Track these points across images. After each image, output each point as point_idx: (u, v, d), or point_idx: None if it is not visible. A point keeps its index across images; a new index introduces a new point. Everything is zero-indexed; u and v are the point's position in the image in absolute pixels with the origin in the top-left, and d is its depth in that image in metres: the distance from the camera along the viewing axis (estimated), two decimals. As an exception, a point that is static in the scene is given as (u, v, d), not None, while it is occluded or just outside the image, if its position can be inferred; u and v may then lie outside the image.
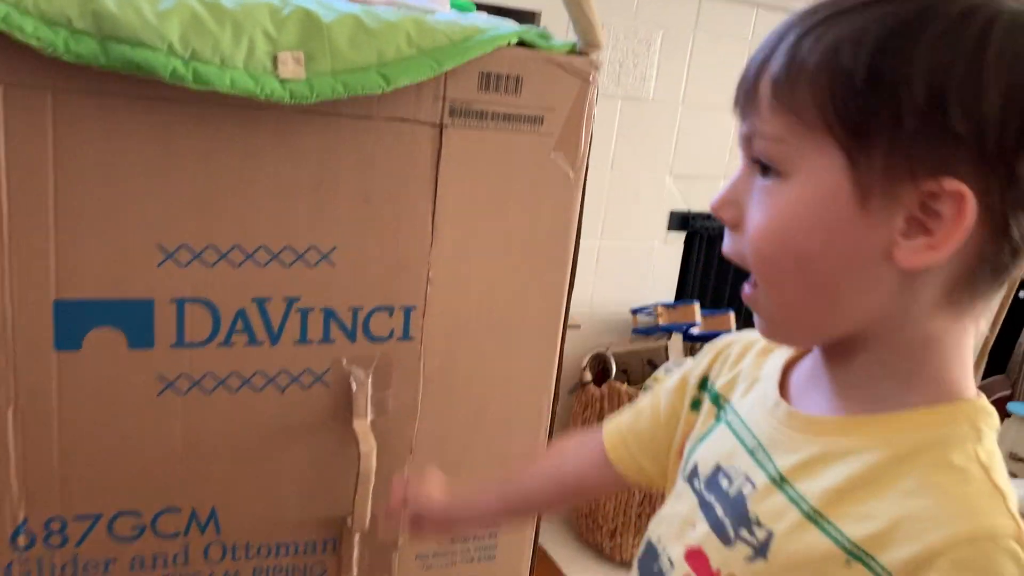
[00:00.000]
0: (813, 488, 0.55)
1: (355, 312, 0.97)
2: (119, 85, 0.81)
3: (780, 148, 0.52)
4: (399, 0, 1.02)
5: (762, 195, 0.54)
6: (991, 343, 2.41)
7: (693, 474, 0.66)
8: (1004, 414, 2.25)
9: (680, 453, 0.72)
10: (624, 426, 0.81)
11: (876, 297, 0.53)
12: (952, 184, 0.48)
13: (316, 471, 1.00)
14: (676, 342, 1.91)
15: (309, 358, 0.96)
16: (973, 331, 0.55)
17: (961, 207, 0.48)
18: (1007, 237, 0.49)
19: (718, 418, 0.69)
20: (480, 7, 1.25)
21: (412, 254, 0.97)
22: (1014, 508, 0.50)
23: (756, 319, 0.60)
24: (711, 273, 2.16)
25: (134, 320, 0.89)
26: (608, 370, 1.81)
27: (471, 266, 1.00)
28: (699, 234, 2.08)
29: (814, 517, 0.55)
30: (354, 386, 0.98)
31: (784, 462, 0.59)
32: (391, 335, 0.99)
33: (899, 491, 0.51)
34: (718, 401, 0.70)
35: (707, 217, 2.07)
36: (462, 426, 1.06)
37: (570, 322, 1.43)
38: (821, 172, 0.51)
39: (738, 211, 0.56)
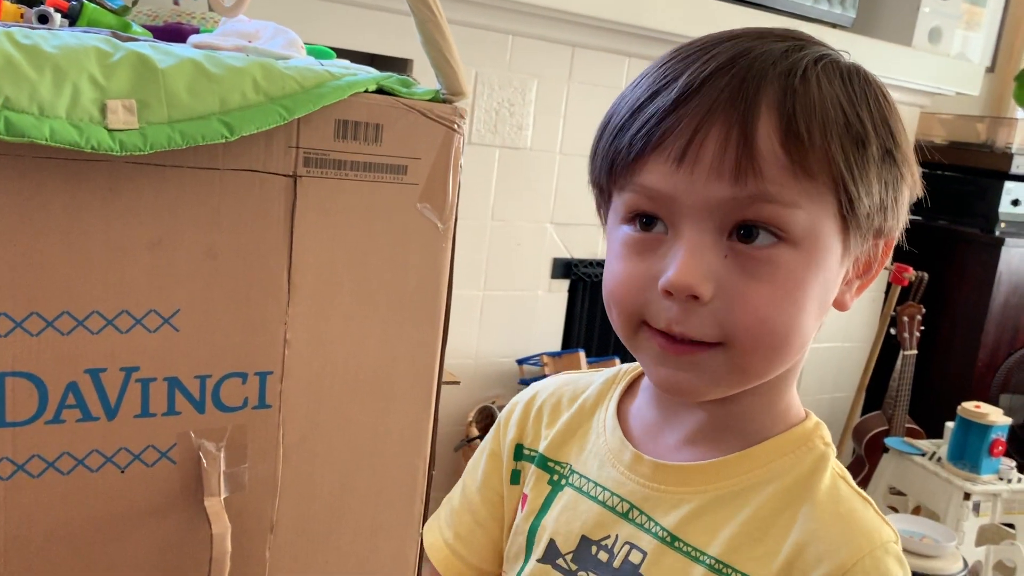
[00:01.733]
0: (710, 540, 0.54)
1: (203, 380, 0.89)
2: (-80, 136, 0.72)
3: (795, 214, 0.49)
4: (250, 46, 0.96)
5: (760, 264, 0.50)
6: (867, 380, 2.49)
7: (551, 554, 0.61)
8: (882, 449, 2.31)
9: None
10: (447, 536, 0.72)
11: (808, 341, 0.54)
12: None
13: (165, 557, 0.90)
14: (563, 392, 1.88)
15: (152, 433, 0.87)
16: None
17: (887, 247, 0.55)
18: None
19: (556, 484, 0.64)
20: (347, 54, 1.21)
21: (266, 314, 0.90)
22: (878, 509, 0.56)
23: (685, 376, 0.53)
24: (596, 320, 2.15)
25: (-56, 399, 0.79)
26: (494, 424, 1.76)
27: (333, 325, 0.94)
28: (582, 280, 2.08)
29: (720, 569, 0.53)
30: (204, 462, 0.89)
31: (669, 519, 0.55)
32: (245, 404, 0.91)
33: (794, 521, 0.53)
34: (546, 465, 0.65)
35: (589, 264, 2.07)
36: (328, 500, 0.98)
37: (450, 377, 1.38)
38: (827, 237, 0.51)
39: (715, 285, 0.50)
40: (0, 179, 0.77)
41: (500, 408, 1.79)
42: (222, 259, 0.87)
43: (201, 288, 0.87)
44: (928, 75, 2.44)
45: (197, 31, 1.13)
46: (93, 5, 0.96)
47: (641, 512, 0.57)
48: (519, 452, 0.67)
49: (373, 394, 0.98)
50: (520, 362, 1.94)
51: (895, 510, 2.23)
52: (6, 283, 0.78)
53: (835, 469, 0.57)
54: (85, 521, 0.86)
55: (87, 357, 0.83)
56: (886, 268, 2.37)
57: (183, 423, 0.89)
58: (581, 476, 0.61)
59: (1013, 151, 2.60)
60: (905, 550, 1.77)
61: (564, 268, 2.03)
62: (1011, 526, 2.15)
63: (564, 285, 2.04)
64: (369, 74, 0.93)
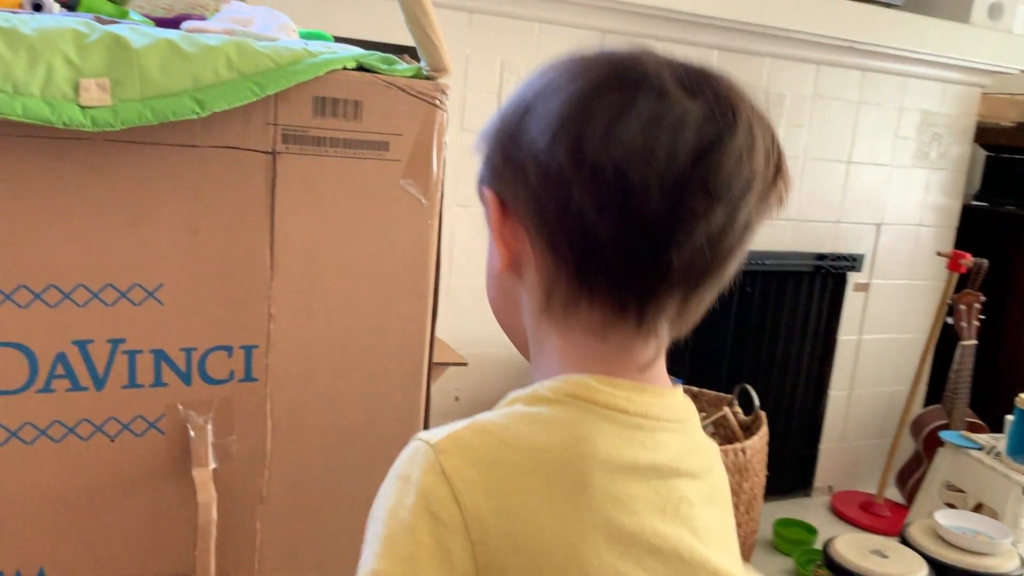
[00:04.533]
0: None
1: (188, 353, 0.91)
2: (-90, 117, 0.77)
3: None
4: (240, 30, 0.99)
5: None
6: (924, 372, 2.39)
7: None
8: (939, 443, 2.21)
9: None
10: None
11: None
12: None
13: (153, 526, 0.93)
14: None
15: (140, 404, 0.90)
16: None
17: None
18: None
19: None
20: (381, 47, 1.21)
21: (250, 289, 0.92)
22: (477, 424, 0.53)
23: None
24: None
25: (-61, 368, 0.83)
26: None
27: (318, 300, 0.95)
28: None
29: None
30: (192, 432, 0.92)
31: None
32: (231, 376, 0.93)
33: None
34: None
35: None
36: (320, 472, 1.00)
37: (456, 358, 1.39)
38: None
39: None
40: (-9, 159, 0.80)
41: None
42: (204, 235, 0.89)
43: (184, 263, 0.89)
44: (988, 53, 2.33)
45: (203, 19, 1.16)
46: (92, -6, 0.99)
47: None
48: None
49: (362, 369, 0.99)
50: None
51: (952, 506, 2.14)
52: (-6, 257, 0.82)
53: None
54: (77, 487, 0.90)
55: (74, 329, 0.86)
56: (941, 255, 2.27)
57: (170, 395, 0.91)
58: None
59: (1086, 131, 2.46)
60: (958, 547, 1.67)
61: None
62: (1078, 525, 2.03)
63: (599, 273, 2.03)
64: (348, 52, 0.94)
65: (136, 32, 0.84)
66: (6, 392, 0.85)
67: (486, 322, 1.85)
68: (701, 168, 0.48)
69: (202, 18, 1.16)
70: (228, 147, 0.88)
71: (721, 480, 0.61)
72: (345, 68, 0.92)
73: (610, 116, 0.49)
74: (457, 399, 1.90)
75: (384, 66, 0.95)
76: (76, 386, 0.87)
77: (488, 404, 1.86)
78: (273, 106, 0.89)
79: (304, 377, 0.96)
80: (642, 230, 0.49)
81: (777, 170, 0.52)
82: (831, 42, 2.13)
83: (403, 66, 0.97)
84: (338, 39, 1.16)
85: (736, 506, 1.73)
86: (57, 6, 0.95)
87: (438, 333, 1.65)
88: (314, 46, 0.94)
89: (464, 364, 1.38)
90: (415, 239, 0.98)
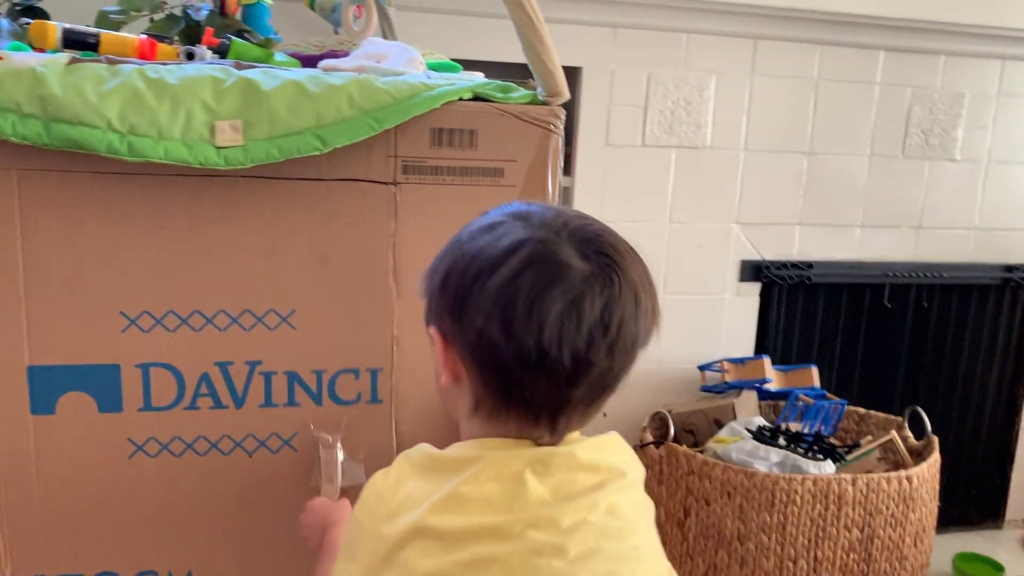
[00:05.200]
0: None
1: (319, 375, 0.96)
2: (78, 163, 0.86)
3: None
4: (371, 66, 1.03)
5: None
6: None
7: None
8: None
9: None
10: None
11: None
12: None
13: (288, 535, 0.99)
14: (746, 399, 1.79)
15: (275, 422, 0.97)
16: None
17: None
18: None
19: None
20: (513, 68, 1.24)
21: (375, 314, 0.96)
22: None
23: None
24: (794, 325, 2.03)
25: (103, 385, 0.93)
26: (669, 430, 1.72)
27: (438, 324, 0.98)
28: (776, 284, 1.97)
29: None
30: (322, 450, 0.97)
31: None
32: (359, 398, 0.98)
33: None
34: None
35: (783, 265, 1.96)
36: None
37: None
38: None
39: None
40: (137, 195, 0.89)
41: (677, 415, 1.75)
42: (332, 263, 0.94)
43: (314, 290, 0.94)
44: None
45: (347, 54, 1.22)
46: (241, 41, 1.07)
47: None
48: None
49: (481, 391, 1.01)
50: (702, 368, 1.88)
51: None
52: (147, 285, 0.91)
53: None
54: (220, 497, 0.97)
55: (216, 351, 0.94)
56: None
57: (302, 414, 0.97)
58: None
59: None
60: None
61: (754, 270, 1.94)
62: None
63: (755, 289, 1.95)
64: (465, 82, 0.96)
65: (268, 75, 0.90)
66: (159, 408, 0.94)
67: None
68: (600, 335, 0.63)
69: (347, 54, 1.23)
70: (352, 179, 0.93)
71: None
72: (461, 99, 0.94)
73: (531, 303, 0.62)
74: (605, 415, 1.88)
75: (499, 94, 0.97)
76: (218, 404, 0.95)
77: (635, 421, 1.84)
78: (393, 139, 0.93)
79: (425, 398, 0.99)
80: (554, 379, 0.64)
81: (653, 305, 0.68)
82: (1018, 35, 1.95)
83: (519, 93, 0.98)
84: (474, 63, 1.20)
85: (902, 537, 1.62)
86: (209, 53, 1.04)
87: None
88: (434, 79, 0.98)
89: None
90: (533, 264, 0.99)
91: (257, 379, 0.95)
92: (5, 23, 1.02)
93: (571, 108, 1.75)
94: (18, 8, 1.14)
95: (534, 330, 0.62)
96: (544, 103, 0.97)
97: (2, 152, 0.85)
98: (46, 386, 0.92)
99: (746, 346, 1.98)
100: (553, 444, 0.68)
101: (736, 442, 1.62)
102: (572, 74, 1.73)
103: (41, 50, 0.97)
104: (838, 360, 2.10)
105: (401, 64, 1.07)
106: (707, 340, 1.94)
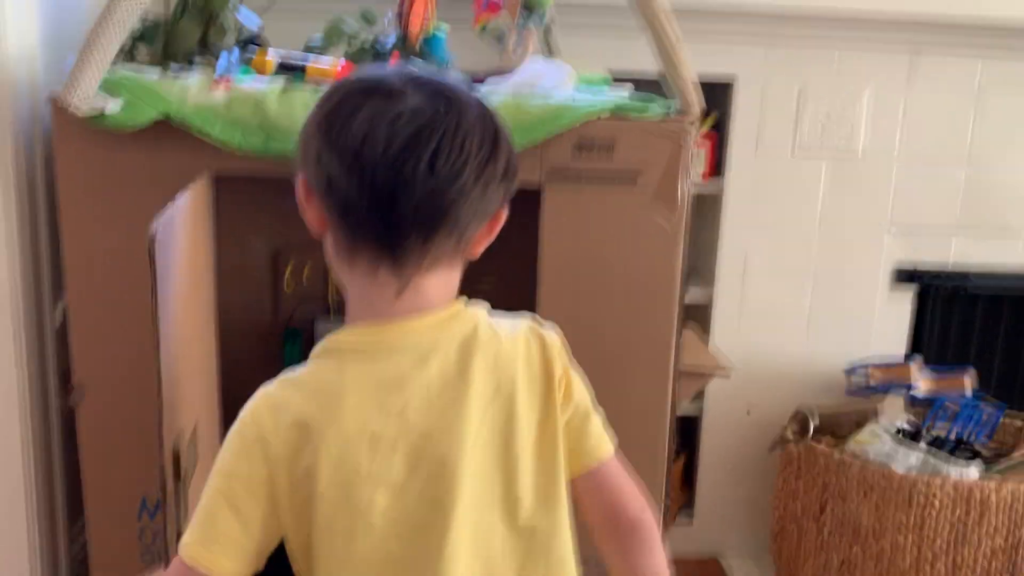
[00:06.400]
0: None
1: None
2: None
3: None
4: (523, 81, 1.20)
5: None
6: None
7: None
8: None
9: None
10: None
11: None
12: None
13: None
14: (892, 402, 1.81)
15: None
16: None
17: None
18: None
19: None
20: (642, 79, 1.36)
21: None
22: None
23: None
24: (949, 333, 2.02)
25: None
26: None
27: (574, 316, 1.11)
28: (931, 293, 1.97)
29: None
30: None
31: None
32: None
33: None
34: None
35: (938, 275, 1.95)
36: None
37: (720, 370, 1.48)
38: None
39: None
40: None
41: (821, 413, 1.79)
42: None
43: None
44: None
45: (512, 73, 1.39)
46: (420, 62, 1.26)
47: None
48: None
49: (612, 377, 1.14)
50: (848, 371, 1.91)
51: None
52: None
53: None
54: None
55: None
56: None
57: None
58: None
59: None
60: None
61: (907, 278, 1.94)
62: None
63: (907, 295, 1.96)
64: (607, 101, 1.10)
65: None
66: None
67: (780, 338, 1.90)
68: (413, 148, 0.65)
69: (512, 72, 1.40)
70: (504, 184, 1.09)
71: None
72: (600, 117, 1.08)
73: (348, 114, 0.66)
74: (749, 413, 1.96)
75: (637, 111, 1.10)
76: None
77: (779, 418, 1.90)
78: (540, 149, 1.08)
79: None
80: (375, 192, 0.66)
81: (494, 145, 0.70)
82: None
83: (657, 107, 1.11)
84: (633, 76, 1.32)
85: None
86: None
87: (729, 348, 1.75)
88: (579, 99, 1.12)
89: (727, 375, 1.46)
90: (661, 260, 1.11)
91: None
92: (236, 53, 1.26)
93: (724, 118, 1.85)
94: (243, 40, 1.39)
95: (349, 138, 0.65)
96: (677, 117, 1.10)
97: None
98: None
99: (896, 350, 1.99)
100: (401, 290, 0.70)
101: (875, 442, 1.66)
102: (725, 86, 1.82)
103: (262, 76, 1.19)
104: (996, 372, 2.06)
105: (552, 84, 1.22)
106: (856, 345, 1.97)
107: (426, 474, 0.70)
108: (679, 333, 1.15)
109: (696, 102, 1.09)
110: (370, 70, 0.74)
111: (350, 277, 0.72)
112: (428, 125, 0.65)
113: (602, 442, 0.81)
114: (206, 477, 0.68)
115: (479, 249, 0.74)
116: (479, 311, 0.76)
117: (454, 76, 0.85)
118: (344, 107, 0.67)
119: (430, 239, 0.68)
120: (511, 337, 0.76)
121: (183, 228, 0.95)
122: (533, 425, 0.75)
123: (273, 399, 0.70)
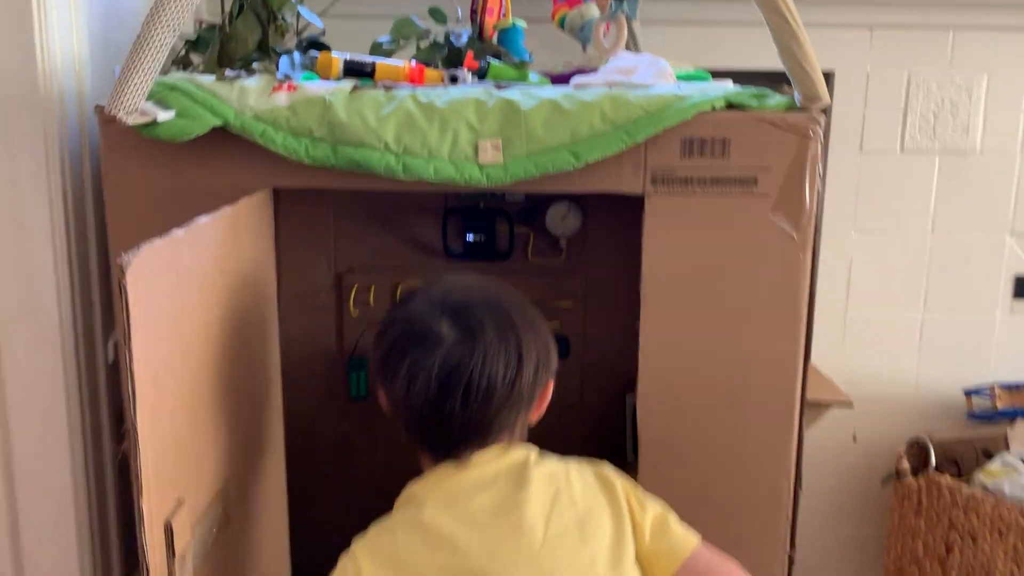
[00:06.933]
0: None
1: (568, 380, 0.99)
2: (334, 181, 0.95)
3: None
4: (620, 80, 1.06)
5: None
6: None
7: None
8: None
9: None
10: None
11: None
12: None
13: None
14: (1022, 429, 1.62)
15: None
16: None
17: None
18: None
19: None
20: (746, 75, 1.22)
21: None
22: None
23: None
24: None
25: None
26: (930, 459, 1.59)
27: (684, 336, 0.98)
28: (1058, 303, 1.77)
29: None
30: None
31: None
32: (605, 404, 1.00)
33: None
34: None
35: (1067, 283, 1.76)
36: (686, 503, 1.01)
37: (839, 399, 1.31)
38: None
39: None
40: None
41: (939, 443, 1.61)
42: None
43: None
44: None
45: (595, 71, 1.25)
46: (497, 63, 1.14)
47: None
48: None
49: (728, 405, 0.99)
50: (968, 393, 1.72)
51: None
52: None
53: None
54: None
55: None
56: None
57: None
58: None
59: None
60: None
61: (1031, 287, 1.75)
62: None
63: (1031, 307, 1.77)
64: (718, 91, 0.96)
65: (526, 95, 0.95)
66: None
67: (888, 357, 1.71)
68: (447, 391, 0.78)
69: (594, 70, 1.26)
70: (602, 192, 0.95)
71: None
72: (714, 108, 0.93)
73: (396, 363, 0.80)
74: (855, 439, 1.78)
75: (754, 102, 0.95)
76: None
77: (888, 446, 1.71)
78: (643, 149, 0.94)
79: (671, 408, 1.00)
80: (424, 424, 0.80)
81: (519, 364, 0.80)
82: None
83: (776, 99, 0.96)
84: (718, 73, 1.19)
85: None
86: (470, 76, 1.10)
87: (830, 370, 1.57)
88: (686, 89, 0.98)
89: (849, 405, 1.30)
90: (785, 275, 0.96)
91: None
92: (297, 56, 1.15)
93: (821, 114, 1.68)
94: (305, 42, 1.28)
95: (397, 380, 0.79)
96: (801, 109, 0.95)
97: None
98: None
99: (1019, 370, 1.80)
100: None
101: (1010, 475, 1.47)
102: (824, 78, 1.65)
103: (326, 79, 1.07)
104: None
105: (651, 76, 1.08)
106: (975, 363, 1.78)
107: None
108: (807, 359, 0.99)
109: (825, 91, 0.94)
110: (414, 303, 0.83)
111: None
112: (457, 369, 0.78)
113: (688, 532, 0.85)
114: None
115: (535, 419, 0.85)
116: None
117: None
118: (393, 355, 0.80)
119: (481, 445, 0.81)
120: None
121: (204, 254, 0.81)
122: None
123: None
